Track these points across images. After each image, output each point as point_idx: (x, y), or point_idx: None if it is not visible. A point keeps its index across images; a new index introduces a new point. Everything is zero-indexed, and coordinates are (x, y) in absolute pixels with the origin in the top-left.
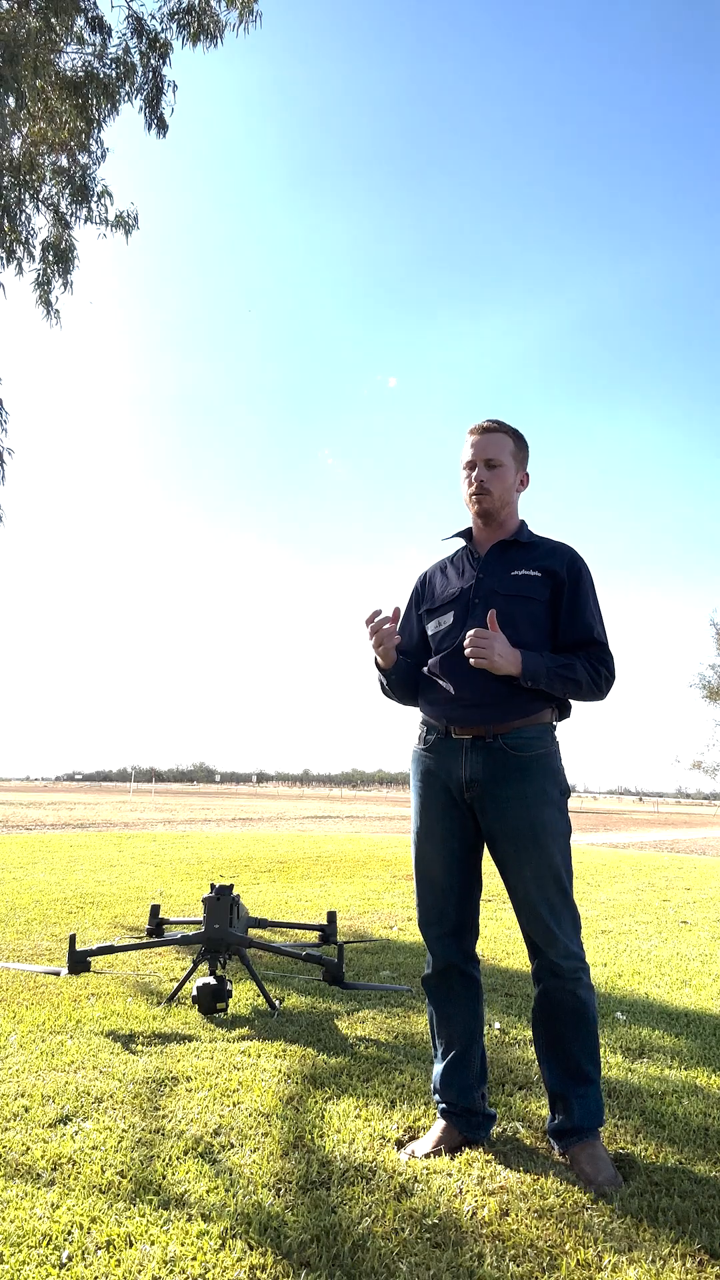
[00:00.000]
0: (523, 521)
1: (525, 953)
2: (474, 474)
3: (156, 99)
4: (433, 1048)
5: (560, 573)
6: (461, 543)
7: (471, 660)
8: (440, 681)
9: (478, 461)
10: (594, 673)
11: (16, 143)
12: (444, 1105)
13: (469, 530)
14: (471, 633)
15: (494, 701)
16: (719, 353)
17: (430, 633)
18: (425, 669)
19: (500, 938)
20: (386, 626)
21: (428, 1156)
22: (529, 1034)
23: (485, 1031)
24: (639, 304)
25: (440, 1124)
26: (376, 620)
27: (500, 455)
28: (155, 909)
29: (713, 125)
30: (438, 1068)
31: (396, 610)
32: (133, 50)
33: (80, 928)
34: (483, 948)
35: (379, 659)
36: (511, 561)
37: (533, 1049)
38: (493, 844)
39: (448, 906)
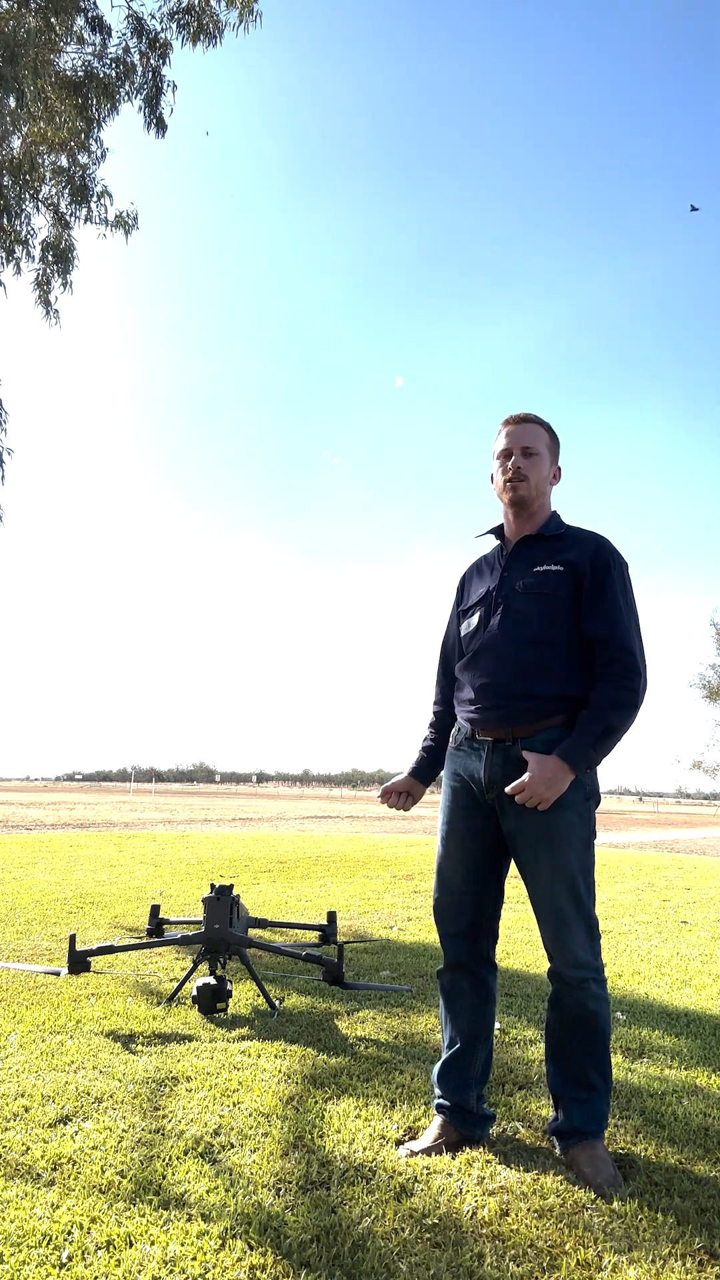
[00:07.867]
0: (554, 513)
1: (526, 953)
2: (510, 461)
3: (156, 99)
4: (442, 1040)
5: (582, 564)
6: (495, 541)
7: (541, 807)
8: (464, 685)
9: (514, 449)
10: (626, 704)
11: (16, 143)
12: (439, 1100)
13: (500, 527)
14: (515, 794)
15: (513, 705)
16: None
17: (461, 634)
18: (456, 668)
19: (500, 938)
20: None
21: (427, 1153)
22: (529, 1034)
23: None
24: (643, 303)
25: (437, 1119)
26: (390, 800)
27: (537, 444)
28: (155, 909)
29: (714, 124)
30: (439, 1062)
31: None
32: (133, 50)
33: (80, 928)
34: None
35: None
36: (535, 557)
37: (532, 1049)
38: (513, 847)
39: (460, 905)
